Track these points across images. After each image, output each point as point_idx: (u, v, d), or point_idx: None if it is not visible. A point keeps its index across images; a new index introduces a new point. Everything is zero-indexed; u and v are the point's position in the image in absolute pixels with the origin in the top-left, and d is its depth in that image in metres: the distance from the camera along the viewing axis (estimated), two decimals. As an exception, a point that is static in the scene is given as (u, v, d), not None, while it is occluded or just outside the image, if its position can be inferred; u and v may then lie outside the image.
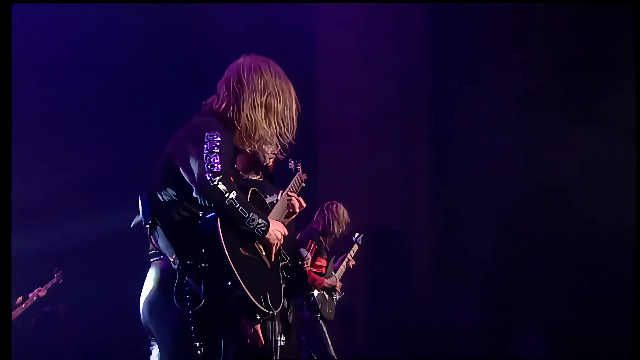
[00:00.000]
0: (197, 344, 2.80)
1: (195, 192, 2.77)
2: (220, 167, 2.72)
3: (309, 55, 11.96)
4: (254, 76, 3.01)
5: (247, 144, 3.04)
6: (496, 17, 11.40)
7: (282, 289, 3.12)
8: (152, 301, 2.92)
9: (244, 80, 3.02)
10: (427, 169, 12.31)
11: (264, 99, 2.99)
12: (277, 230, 2.98)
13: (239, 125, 2.98)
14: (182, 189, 2.87)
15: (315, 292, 6.52)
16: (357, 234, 7.02)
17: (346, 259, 6.92)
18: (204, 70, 10.33)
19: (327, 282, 6.61)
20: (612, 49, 10.86)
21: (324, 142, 11.61)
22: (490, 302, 11.40)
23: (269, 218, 3.04)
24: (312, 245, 6.46)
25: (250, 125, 2.98)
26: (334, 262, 6.88)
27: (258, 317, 2.88)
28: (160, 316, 2.91)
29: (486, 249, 11.42)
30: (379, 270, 11.84)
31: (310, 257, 6.43)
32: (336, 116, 11.86)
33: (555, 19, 11.24)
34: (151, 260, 2.99)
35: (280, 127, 3.06)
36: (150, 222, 2.92)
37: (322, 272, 6.62)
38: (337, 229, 6.70)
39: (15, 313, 8.87)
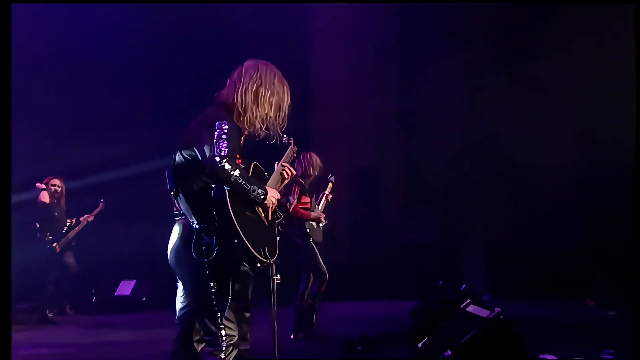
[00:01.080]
0: (212, 284, 2.90)
1: (207, 171, 2.85)
2: (226, 151, 2.79)
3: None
4: (251, 70, 3.09)
5: (249, 128, 3.10)
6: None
7: (277, 240, 3.14)
8: (177, 251, 3.00)
9: (242, 73, 3.11)
10: (396, 121, 12.37)
11: (254, 87, 3.05)
12: (272, 197, 3.02)
13: (242, 112, 3.05)
14: (198, 165, 2.91)
15: (306, 224, 6.76)
16: (330, 175, 7.13)
17: (325, 195, 7.04)
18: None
19: (313, 214, 6.78)
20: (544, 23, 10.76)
21: (315, 101, 11.62)
22: (443, 225, 11.59)
23: (267, 186, 3.11)
24: (296, 188, 6.65)
25: (242, 107, 3.04)
26: (316, 199, 7.05)
27: (259, 265, 2.93)
28: (184, 263, 2.98)
29: (441, 184, 11.50)
30: (357, 201, 12.09)
31: (295, 200, 6.60)
32: (325, 82, 11.88)
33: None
34: (176, 219, 3.06)
35: (266, 111, 3.09)
36: (174, 190, 3.00)
37: (307, 207, 6.81)
38: (313, 172, 6.84)
39: (70, 234, 9.18)
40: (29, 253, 8.98)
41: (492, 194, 11.19)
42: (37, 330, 8.51)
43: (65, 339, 7.75)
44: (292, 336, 6.82)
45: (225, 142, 2.81)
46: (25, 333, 8.23)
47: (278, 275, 3.08)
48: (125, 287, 10.92)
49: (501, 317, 4.26)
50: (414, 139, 12.04)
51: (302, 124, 10.04)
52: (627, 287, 9.16)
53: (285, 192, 6.53)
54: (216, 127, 2.86)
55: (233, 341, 2.94)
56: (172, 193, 3.02)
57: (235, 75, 3.13)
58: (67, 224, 9.15)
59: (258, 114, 3.07)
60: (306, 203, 6.81)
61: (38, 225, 8.98)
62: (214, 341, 2.93)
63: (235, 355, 2.95)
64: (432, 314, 6.04)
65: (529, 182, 10.85)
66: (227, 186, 2.82)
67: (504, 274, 10.76)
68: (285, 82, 3.20)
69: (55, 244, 9.00)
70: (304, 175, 6.82)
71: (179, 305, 3.16)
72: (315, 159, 6.91)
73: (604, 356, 5.69)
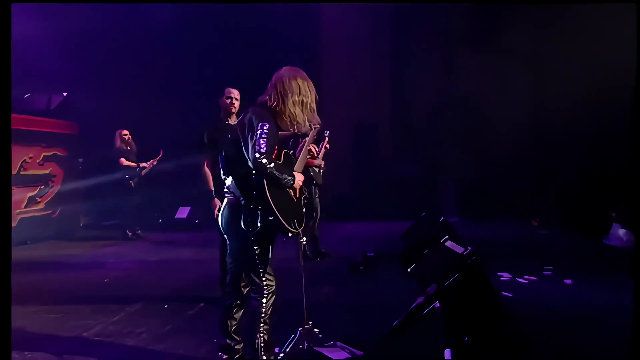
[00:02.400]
0: (255, 247, 2.94)
1: (250, 164, 2.83)
2: (265, 149, 2.77)
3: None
4: (293, 83, 2.99)
5: (290, 127, 3.06)
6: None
7: (304, 212, 3.14)
8: (227, 221, 3.02)
9: (281, 81, 3.01)
10: (388, 84, 12.21)
11: (299, 98, 3.01)
12: (299, 180, 3.02)
13: (285, 117, 3.00)
14: (244, 155, 2.90)
15: (310, 169, 6.63)
16: (326, 131, 6.74)
17: (323, 146, 6.70)
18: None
19: (316, 162, 6.65)
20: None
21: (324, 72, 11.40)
22: (424, 162, 11.62)
23: (296, 166, 3.16)
24: (303, 141, 6.56)
25: (292, 116, 3.00)
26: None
27: (290, 235, 2.93)
28: (233, 231, 3.01)
29: (425, 131, 11.51)
30: (358, 145, 12.13)
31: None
32: (331, 55, 11.67)
33: None
34: (226, 195, 3.03)
35: (308, 115, 3.07)
36: (226, 174, 3.01)
37: (311, 156, 6.71)
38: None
39: (144, 172, 9.35)
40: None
41: (462, 139, 11.24)
42: (121, 246, 8.74)
43: (140, 254, 7.94)
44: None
45: (265, 141, 2.78)
46: (111, 248, 8.49)
47: (304, 238, 3.06)
48: (183, 212, 11.12)
49: (473, 257, 4.17)
50: (402, 96, 11.94)
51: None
52: (564, 212, 9.34)
53: (294, 145, 6.37)
54: (259, 128, 2.82)
55: (272, 289, 3.02)
56: (224, 176, 3.03)
57: (274, 81, 3.03)
58: (137, 167, 9.23)
59: (296, 116, 3.01)
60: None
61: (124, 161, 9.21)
62: (258, 290, 2.99)
63: (273, 299, 3.02)
64: (418, 242, 6.11)
65: (491, 129, 10.81)
66: (264, 176, 2.83)
67: (470, 200, 10.90)
68: (310, 81, 3.09)
69: (130, 181, 9.12)
70: (305, 133, 6.69)
71: (228, 259, 3.16)
72: (316, 117, 6.72)
73: (545, 273, 5.77)
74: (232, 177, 2.97)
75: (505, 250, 7.42)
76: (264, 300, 2.97)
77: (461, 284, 3.33)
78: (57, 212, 10.25)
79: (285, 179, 2.88)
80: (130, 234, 9.38)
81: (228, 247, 3.14)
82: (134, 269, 6.77)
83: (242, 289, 3.16)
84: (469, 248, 4.53)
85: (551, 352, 3.57)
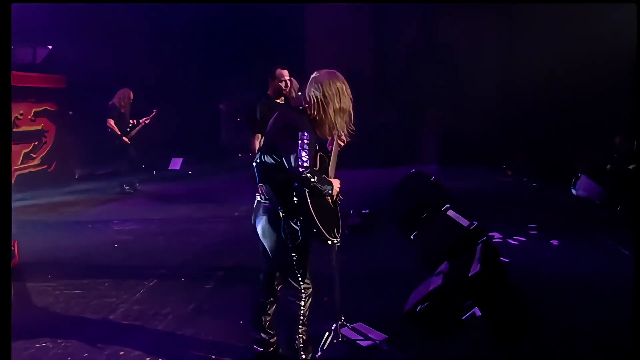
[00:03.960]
0: (293, 254, 2.75)
1: (291, 176, 2.59)
2: (308, 162, 2.53)
3: None
4: (334, 89, 2.67)
5: (329, 135, 2.77)
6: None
7: (340, 219, 2.88)
8: (264, 228, 2.79)
9: (328, 94, 2.66)
10: (370, 36, 11.76)
11: (339, 105, 2.68)
12: (336, 188, 2.79)
13: (325, 125, 2.70)
14: (282, 167, 2.64)
15: None
16: (300, 93, 6.32)
17: None
18: None
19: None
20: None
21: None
22: (405, 113, 11.45)
23: (329, 169, 2.86)
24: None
25: (332, 125, 2.70)
26: None
27: (329, 243, 2.72)
28: (270, 238, 2.79)
29: (404, 82, 11.34)
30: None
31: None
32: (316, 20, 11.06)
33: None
34: (262, 202, 2.79)
35: (348, 121, 2.75)
36: (262, 181, 2.77)
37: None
38: (294, 93, 6.03)
39: (134, 132, 8.81)
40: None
41: (440, 92, 11.02)
42: (121, 203, 8.44)
43: (143, 213, 7.67)
44: None
45: (307, 153, 2.53)
46: (112, 205, 8.20)
47: (339, 242, 2.82)
48: (175, 163, 10.80)
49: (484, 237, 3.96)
50: (384, 50, 11.56)
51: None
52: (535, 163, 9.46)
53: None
54: (299, 139, 2.55)
55: (309, 292, 2.89)
56: (260, 184, 2.79)
57: (314, 87, 2.69)
58: (131, 124, 8.73)
59: (336, 124, 2.72)
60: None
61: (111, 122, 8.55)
62: (296, 293, 2.86)
63: (310, 301, 2.90)
64: (413, 203, 5.96)
65: (466, 84, 10.65)
66: (307, 188, 2.60)
67: (448, 149, 10.89)
68: (346, 82, 2.75)
69: (124, 137, 8.66)
70: (288, 96, 6.25)
71: (264, 259, 3.01)
72: (294, 82, 6.26)
73: (531, 232, 5.80)
74: (269, 186, 2.73)
75: (488, 203, 7.43)
76: (302, 303, 2.84)
77: (483, 278, 3.22)
78: (53, 166, 9.79)
79: (325, 189, 2.66)
80: (127, 188, 9.02)
81: (262, 249, 2.97)
82: (139, 232, 6.52)
83: (276, 286, 3.05)
84: (475, 223, 4.48)
85: (562, 326, 3.52)
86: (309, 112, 2.72)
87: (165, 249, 5.76)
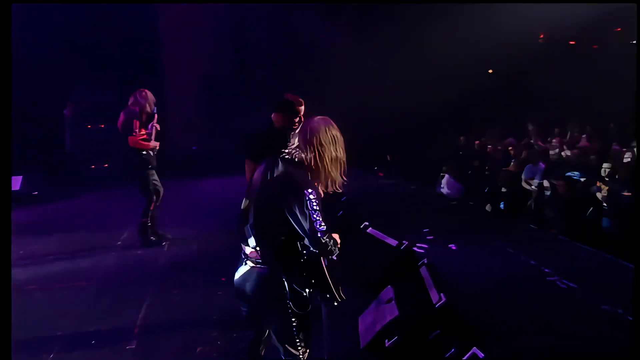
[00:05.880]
0: (293, 319, 2.46)
1: (308, 242, 2.35)
2: (324, 226, 2.30)
3: None
4: (330, 137, 2.45)
5: (326, 187, 2.51)
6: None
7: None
8: (258, 295, 2.48)
9: (324, 142, 2.43)
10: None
11: (335, 154, 2.46)
12: (338, 242, 2.48)
13: (323, 177, 2.46)
14: (285, 222, 2.37)
15: (144, 152, 5.68)
16: (155, 108, 5.76)
17: (153, 126, 5.73)
18: None
19: (151, 144, 5.72)
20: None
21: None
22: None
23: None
24: (136, 123, 5.60)
25: (329, 174, 2.47)
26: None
27: (336, 304, 2.46)
28: (266, 306, 2.52)
29: (268, 85, 11.13)
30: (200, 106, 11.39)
31: (137, 130, 5.63)
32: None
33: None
34: (254, 265, 2.49)
35: (343, 169, 2.53)
36: (260, 243, 2.44)
37: (145, 139, 5.70)
38: (150, 108, 5.70)
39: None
40: None
41: (308, 94, 11.06)
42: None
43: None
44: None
45: (320, 215, 2.28)
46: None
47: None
48: (14, 182, 9.04)
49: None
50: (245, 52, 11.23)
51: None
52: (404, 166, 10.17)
53: (126, 126, 5.59)
54: (307, 197, 2.30)
55: (307, 354, 2.64)
56: (257, 248, 2.45)
57: (308, 135, 2.46)
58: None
59: (332, 174, 2.49)
60: (143, 135, 5.73)
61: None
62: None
63: None
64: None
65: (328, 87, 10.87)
66: (322, 252, 2.34)
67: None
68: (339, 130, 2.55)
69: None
70: (142, 110, 5.69)
71: (251, 324, 2.74)
72: (150, 96, 5.75)
73: (428, 237, 6.12)
74: (267, 248, 2.43)
75: (375, 206, 7.54)
76: (300, 368, 2.59)
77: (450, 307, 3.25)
78: None
79: (336, 250, 2.40)
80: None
81: (249, 314, 2.63)
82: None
83: (261, 352, 2.74)
84: (404, 242, 4.52)
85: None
86: (305, 164, 2.47)
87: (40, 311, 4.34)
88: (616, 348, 3.48)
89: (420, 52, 10.13)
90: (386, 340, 3.37)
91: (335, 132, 2.52)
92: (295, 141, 2.56)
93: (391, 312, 3.60)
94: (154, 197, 5.94)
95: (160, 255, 5.82)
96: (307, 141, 2.47)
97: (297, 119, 3.99)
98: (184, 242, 6.23)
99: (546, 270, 5.05)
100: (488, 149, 9.82)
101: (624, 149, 8.45)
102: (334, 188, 2.58)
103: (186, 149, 11.02)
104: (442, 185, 8.79)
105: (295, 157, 2.49)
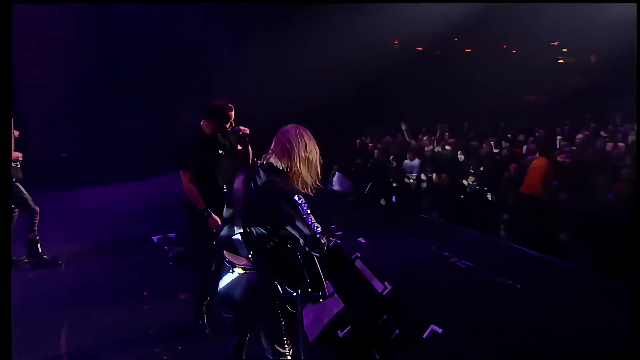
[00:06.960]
0: (282, 319, 2.58)
1: (308, 246, 2.40)
2: (320, 227, 2.39)
3: None
4: (299, 139, 2.53)
5: (301, 186, 2.56)
6: None
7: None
8: (247, 299, 2.55)
9: (293, 142, 2.52)
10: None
11: (306, 155, 2.54)
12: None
13: (299, 177, 2.54)
14: (274, 228, 2.46)
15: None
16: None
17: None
18: None
19: (14, 154, 5.15)
20: None
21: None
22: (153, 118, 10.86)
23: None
24: None
25: (298, 173, 2.53)
26: None
27: (322, 301, 2.53)
28: (255, 309, 2.60)
29: (146, 86, 10.66)
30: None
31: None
32: None
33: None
34: (243, 270, 2.55)
35: (314, 176, 2.59)
36: (250, 253, 2.49)
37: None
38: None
39: None
40: None
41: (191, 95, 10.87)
42: None
43: None
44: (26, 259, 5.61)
45: (313, 217, 2.38)
46: None
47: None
48: None
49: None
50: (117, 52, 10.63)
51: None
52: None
53: None
54: (298, 203, 2.39)
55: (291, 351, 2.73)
56: (250, 256, 2.50)
57: (285, 144, 2.53)
58: None
59: (302, 173, 2.57)
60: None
61: None
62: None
63: None
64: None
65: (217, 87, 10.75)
66: (319, 254, 2.44)
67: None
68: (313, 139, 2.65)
69: None
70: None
71: (233, 326, 2.75)
72: None
73: (336, 233, 6.40)
74: (259, 254, 2.48)
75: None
76: (288, 365, 2.68)
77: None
78: None
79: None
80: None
81: (233, 320, 2.65)
82: None
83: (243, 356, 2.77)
84: (333, 240, 4.72)
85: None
86: (281, 168, 2.54)
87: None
88: (504, 313, 4.27)
89: (295, 54, 10.48)
90: (339, 331, 3.59)
91: (309, 138, 2.62)
92: (272, 149, 2.63)
93: (337, 305, 3.79)
94: (37, 209, 5.43)
95: (62, 275, 5.32)
96: (285, 148, 2.55)
97: (227, 125, 3.93)
98: (82, 259, 5.77)
99: (446, 253, 5.70)
100: (369, 147, 10.56)
101: (485, 144, 9.75)
102: (307, 191, 2.71)
103: (54, 156, 9.98)
104: (332, 183, 9.24)
105: (276, 164, 2.56)
